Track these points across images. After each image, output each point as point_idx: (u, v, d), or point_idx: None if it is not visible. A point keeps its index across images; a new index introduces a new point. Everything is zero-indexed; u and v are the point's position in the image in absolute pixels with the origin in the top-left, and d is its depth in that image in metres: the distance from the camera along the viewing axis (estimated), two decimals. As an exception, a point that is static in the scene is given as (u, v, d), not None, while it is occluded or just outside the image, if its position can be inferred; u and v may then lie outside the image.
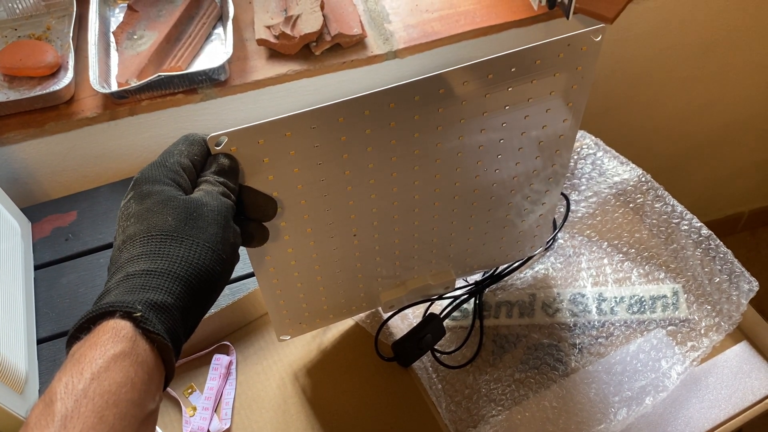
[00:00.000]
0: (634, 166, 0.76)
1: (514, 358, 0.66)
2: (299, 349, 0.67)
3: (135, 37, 0.82)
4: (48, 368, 0.67)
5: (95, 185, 0.81)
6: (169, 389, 0.64)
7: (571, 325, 0.67)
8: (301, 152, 0.47)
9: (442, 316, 0.65)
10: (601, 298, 0.69)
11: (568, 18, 0.85)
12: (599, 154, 0.78)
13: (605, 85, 1.08)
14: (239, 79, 0.81)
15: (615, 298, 0.69)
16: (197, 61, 0.82)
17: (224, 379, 0.65)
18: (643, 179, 0.75)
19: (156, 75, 0.75)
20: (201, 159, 0.45)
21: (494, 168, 0.56)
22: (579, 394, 0.63)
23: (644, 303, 0.68)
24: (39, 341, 0.69)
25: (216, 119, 0.85)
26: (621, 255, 0.72)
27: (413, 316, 0.68)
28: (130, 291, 0.37)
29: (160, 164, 0.43)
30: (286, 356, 0.67)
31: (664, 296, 0.69)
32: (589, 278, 0.70)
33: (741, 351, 0.67)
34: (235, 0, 0.84)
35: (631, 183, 0.75)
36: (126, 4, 0.86)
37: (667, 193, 0.74)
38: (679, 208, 0.73)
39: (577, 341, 0.66)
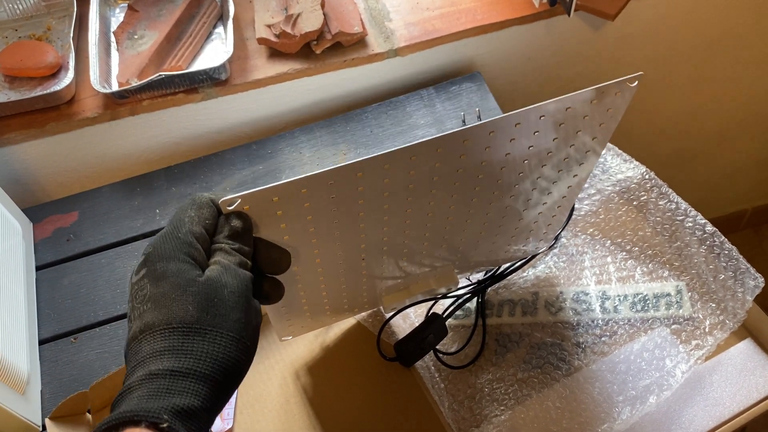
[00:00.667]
0: (637, 163, 0.76)
1: (517, 358, 0.65)
2: (301, 348, 0.67)
3: (135, 36, 0.82)
4: (50, 369, 0.67)
5: (96, 185, 0.80)
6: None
7: (575, 323, 0.67)
8: (316, 203, 0.45)
9: (444, 315, 0.65)
10: (604, 296, 0.69)
11: (569, 15, 0.85)
12: (603, 151, 0.78)
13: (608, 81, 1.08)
14: (240, 78, 0.81)
15: (618, 296, 0.69)
16: (198, 61, 0.82)
17: (226, 379, 0.65)
18: (647, 177, 0.75)
19: (157, 74, 0.75)
20: (212, 222, 0.43)
21: (514, 184, 0.55)
22: (582, 393, 0.62)
23: (648, 301, 0.68)
24: (41, 342, 0.69)
25: (217, 118, 0.85)
26: (624, 253, 0.72)
27: (415, 315, 0.68)
28: (155, 395, 0.36)
29: (172, 236, 0.41)
30: (288, 355, 0.67)
31: (668, 294, 0.68)
32: (593, 277, 0.70)
33: (745, 348, 0.67)
34: (235, -1, 0.84)
35: (635, 180, 0.75)
36: (126, 4, 0.86)
37: (671, 190, 0.73)
38: (684, 205, 0.72)
39: (581, 340, 0.66)
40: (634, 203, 0.75)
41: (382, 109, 0.85)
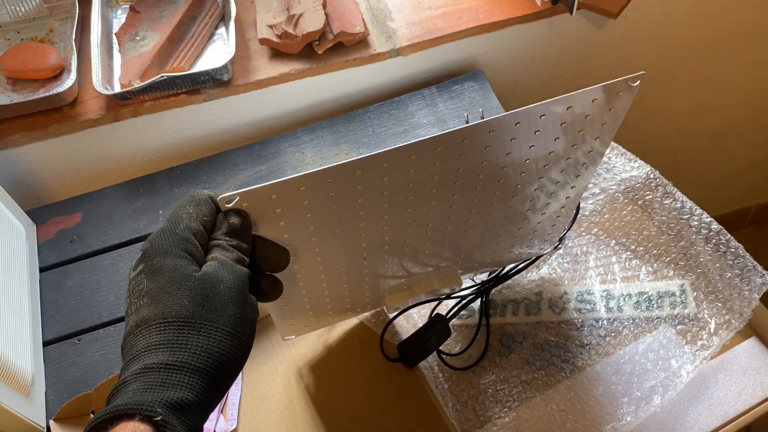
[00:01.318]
0: (642, 162, 0.75)
1: (521, 358, 0.65)
2: (304, 348, 0.67)
3: (137, 38, 0.82)
4: (54, 370, 0.67)
5: (99, 187, 0.81)
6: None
7: (579, 323, 0.67)
8: (316, 201, 0.45)
9: (448, 316, 0.65)
10: (608, 295, 0.68)
11: (572, 13, 0.84)
12: (607, 150, 0.77)
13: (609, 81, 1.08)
14: (242, 79, 0.81)
15: (622, 295, 0.68)
16: (200, 62, 0.82)
17: (230, 380, 0.65)
18: (652, 176, 0.74)
19: (159, 76, 0.75)
20: (211, 218, 0.43)
21: (516, 184, 0.55)
22: (587, 395, 0.62)
23: (652, 300, 0.68)
24: (45, 343, 0.69)
25: (219, 119, 0.85)
26: (629, 253, 0.72)
27: (418, 316, 0.68)
28: (149, 389, 0.36)
29: (170, 232, 0.41)
30: (291, 356, 0.67)
31: (672, 293, 0.68)
32: (597, 277, 0.70)
33: (750, 347, 0.66)
34: (237, 0, 0.83)
35: (640, 180, 0.74)
36: (128, 6, 0.86)
37: (676, 189, 0.73)
38: (689, 203, 0.72)
39: (585, 340, 0.66)
40: (639, 202, 0.75)
41: (384, 109, 0.85)
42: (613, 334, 0.66)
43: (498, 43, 0.90)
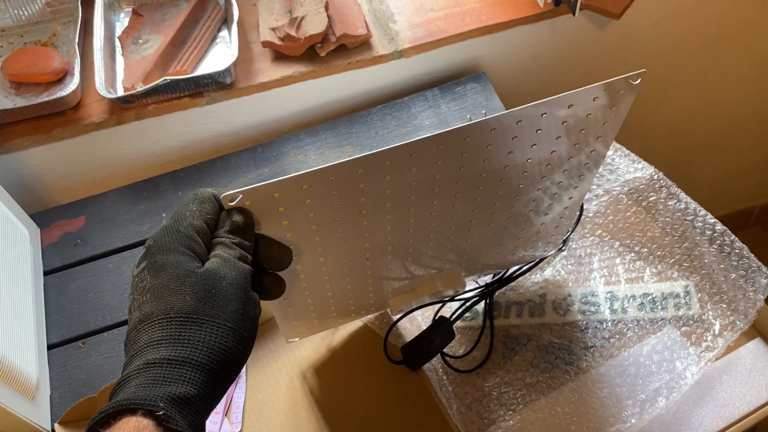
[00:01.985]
0: (646, 164, 0.75)
1: (525, 361, 0.65)
2: (308, 351, 0.67)
3: (140, 41, 0.82)
4: (58, 374, 0.67)
5: (103, 190, 0.81)
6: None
7: (583, 325, 0.67)
8: (318, 200, 0.45)
9: (451, 318, 0.65)
10: (613, 297, 0.68)
11: (574, 14, 0.84)
12: (610, 152, 0.77)
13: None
14: (245, 81, 0.81)
15: (626, 297, 0.68)
16: (202, 65, 0.82)
17: (234, 383, 0.65)
18: (656, 177, 0.74)
19: (162, 79, 0.75)
20: (214, 216, 0.43)
21: (518, 184, 0.55)
22: (591, 397, 0.62)
23: (656, 301, 0.68)
24: (49, 347, 0.69)
25: (222, 122, 0.85)
26: (633, 254, 0.71)
27: (422, 318, 0.68)
28: (152, 384, 0.36)
29: (173, 229, 0.42)
30: (295, 358, 0.67)
31: (677, 294, 0.68)
32: (601, 278, 0.70)
33: (754, 348, 0.66)
34: (239, 2, 0.83)
35: (644, 181, 0.74)
36: (131, 9, 0.86)
37: (680, 190, 0.73)
38: (693, 204, 0.72)
39: (589, 341, 0.66)
40: (643, 204, 0.74)
41: (386, 111, 0.85)
42: (617, 336, 0.66)
43: (500, 44, 0.90)
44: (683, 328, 0.66)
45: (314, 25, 0.80)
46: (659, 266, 0.70)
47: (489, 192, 0.53)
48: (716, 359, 0.64)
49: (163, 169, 0.84)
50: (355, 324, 0.68)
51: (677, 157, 1.33)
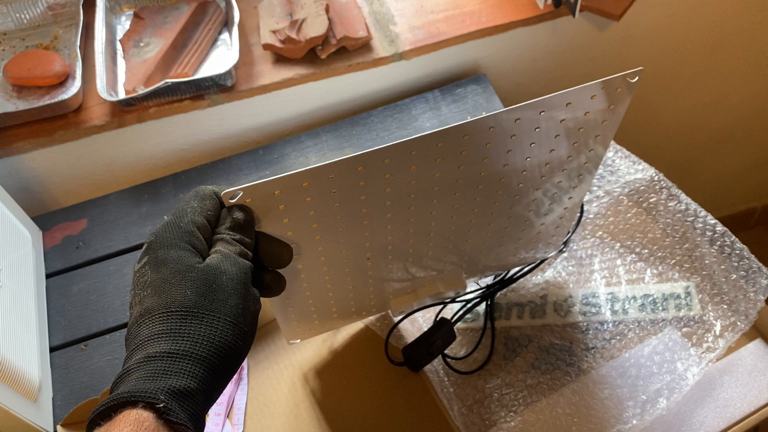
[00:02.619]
0: (646, 165, 0.75)
1: (526, 362, 0.65)
2: (309, 352, 0.67)
3: (141, 44, 0.82)
4: (61, 376, 0.67)
5: (105, 193, 0.81)
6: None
7: (584, 326, 0.67)
8: (318, 198, 0.46)
9: (453, 320, 0.65)
10: (613, 298, 0.68)
11: (574, 16, 0.84)
12: (611, 153, 0.77)
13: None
14: (246, 84, 0.81)
15: (627, 298, 0.68)
16: (204, 67, 0.82)
17: (236, 385, 0.65)
18: (656, 178, 0.74)
19: (163, 82, 0.75)
20: (215, 213, 0.44)
21: (518, 183, 0.55)
22: (592, 399, 0.62)
23: (657, 302, 0.68)
24: (52, 349, 0.69)
25: (223, 125, 0.85)
26: (634, 255, 0.72)
27: (423, 319, 0.68)
28: (152, 377, 0.36)
29: (174, 225, 0.42)
30: (296, 360, 0.67)
31: (677, 295, 0.68)
32: (602, 279, 0.70)
33: (755, 349, 0.66)
34: (240, 5, 0.84)
35: (644, 182, 0.74)
36: (132, 12, 0.86)
37: (680, 191, 0.73)
38: (693, 206, 0.72)
39: (590, 342, 0.66)
40: (644, 205, 0.74)
41: (387, 113, 0.85)
42: (618, 337, 0.66)
43: (501, 46, 0.90)
44: (684, 329, 0.66)
45: (315, 28, 0.80)
46: (660, 267, 0.70)
47: (489, 192, 0.53)
48: (717, 360, 0.64)
49: (165, 172, 0.84)
50: (356, 325, 0.69)
51: (677, 157, 1.33)
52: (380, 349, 0.66)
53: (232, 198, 0.43)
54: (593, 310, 0.68)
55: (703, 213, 0.71)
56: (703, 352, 0.64)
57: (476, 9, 0.87)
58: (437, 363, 0.65)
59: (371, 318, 0.69)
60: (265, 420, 0.63)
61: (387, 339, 0.66)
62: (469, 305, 0.67)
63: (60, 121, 0.78)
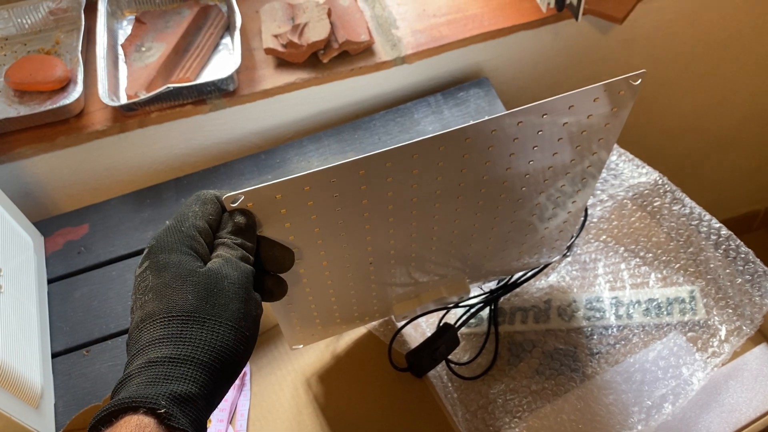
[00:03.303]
0: (650, 169, 0.75)
1: (530, 367, 0.65)
2: (312, 358, 0.67)
3: (143, 49, 0.82)
4: (63, 382, 0.67)
5: (106, 198, 0.81)
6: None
7: (588, 330, 0.66)
8: (320, 202, 0.46)
9: (456, 325, 0.65)
10: (618, 303, 0.68)
11: (577, 20, 0.84)
12: (614, 157, 0.77)
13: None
14: (248, 88, 0.81)
15: (632, 302, 0.68)
16: (205, 72, 0.82)
17: (238, 391, 0.65)
18: (660, 182, 0.74)
19: (165, 86, 0.75)
20: (216, 218, 0.43)
21: (521, 188, 0.54)
22: (597, 404, 0.62)
23: (661, 306, 0.67)
24: (53, 355, 0.69)
25: (225, 129, 0.85)
26: (638, 259, 0.71)
27: (426, 325, 0.68)
28: (153, 382, 0.36)
29: (175, 230, 0.42)
30: (299, 366, 0.67)
31: (682, 299, 0.68)
32: (606, 284, 0.70)
33: (761, 353, 0.66)
34: (242, 9, 0.84)
35: (648, 186, 0.74)
36: (134, 17, 0.86)
37: (684, 195, 0.73)
38: (698, 209, 0.72)
39: (594, 347, 0.65)
40: (648, 209, 0.74)
41: (389, 117, 0.85)
42: (622, 342, 0.66)
43: (503, 49, 0.90)
44: (689, 334, 0.66)
45: (317, 32, 0.80)
46: (664, 271, 0.70)
47: (492, 196, 0.53)
48: (722, 365, 0.64)
49: (167, 177, 0.84)
50: (359, 331, 0.68)
51: (682, 160, 1.33)
52: (383, 354, 0.66)
53: (233, 202, 0.43)
54: (597, 314, 0.67)
55: (708, 216, 0.71)
56: (708, 357, 0.64)
57: (478, 12, 0.87)
58: (441, 368, 0.65)
59: (374, 323, 0.68)
60: (268, 426, 0.63)
61: (390, 344, 0.66)
62: (472, 310, 0.66)
63: (62, 127, 0.78)
